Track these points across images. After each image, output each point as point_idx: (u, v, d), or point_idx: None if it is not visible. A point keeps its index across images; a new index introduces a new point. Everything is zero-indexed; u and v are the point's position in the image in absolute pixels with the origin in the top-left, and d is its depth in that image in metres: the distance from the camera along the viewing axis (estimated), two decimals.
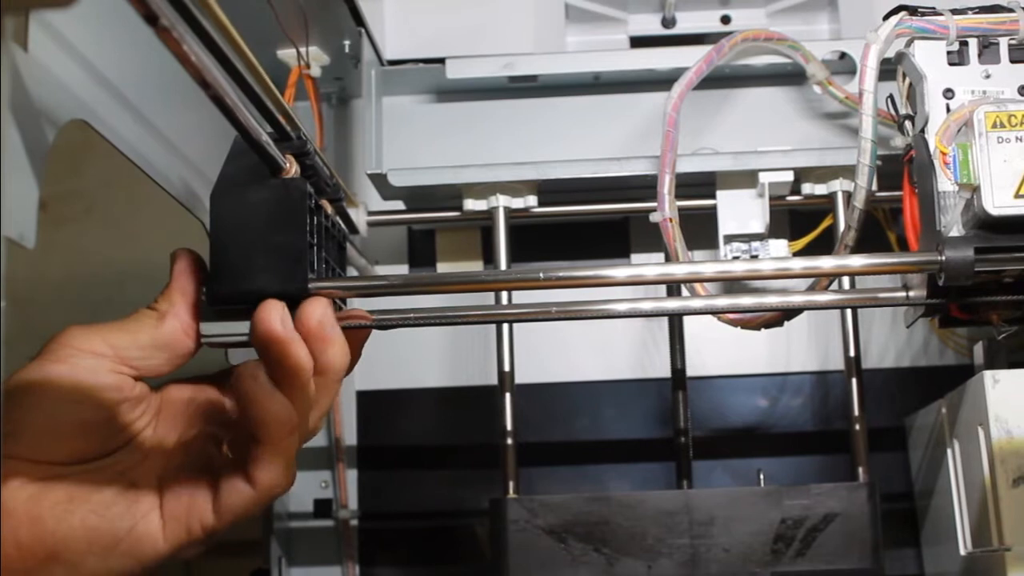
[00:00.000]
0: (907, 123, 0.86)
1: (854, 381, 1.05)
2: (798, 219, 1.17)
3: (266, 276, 0.71)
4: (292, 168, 0.72)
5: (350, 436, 1.23)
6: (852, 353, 1.06)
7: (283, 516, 1.21)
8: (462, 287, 0.80)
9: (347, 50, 1.11)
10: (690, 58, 1.03)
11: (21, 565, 0.62)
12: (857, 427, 1.05)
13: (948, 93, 0.83)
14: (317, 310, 0.70)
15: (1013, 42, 0.83)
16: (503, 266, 1.07)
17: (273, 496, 0.69)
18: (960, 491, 1.03)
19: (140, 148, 0.86)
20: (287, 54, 1.06)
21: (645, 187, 1.02)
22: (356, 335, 0.76)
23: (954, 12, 0.84)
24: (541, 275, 0.77)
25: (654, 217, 0.97)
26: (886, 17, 0.84)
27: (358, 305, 0.82)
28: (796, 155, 1.06)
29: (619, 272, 0.78)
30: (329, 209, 0.79)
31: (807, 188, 1.08)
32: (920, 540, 1.17)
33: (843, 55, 1.09)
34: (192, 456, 0.72)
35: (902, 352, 1.22)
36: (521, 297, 1.02)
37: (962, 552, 1.02)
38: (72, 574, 0.66)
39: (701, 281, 0.95)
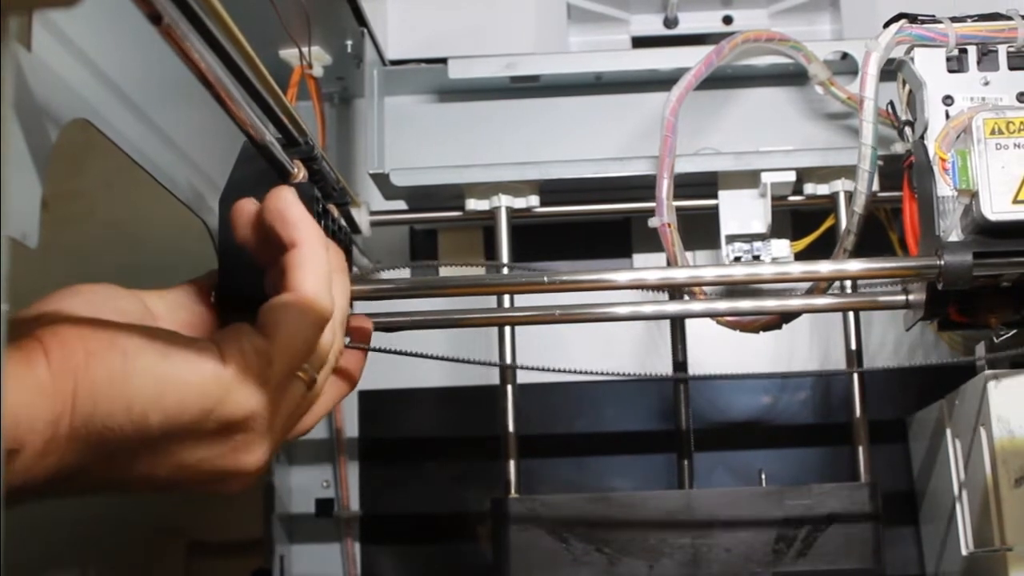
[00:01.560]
0: (907, 129, 0.87)
1: (855, 381, 1.05)
2: (800, 219, 1.17)
3: None
4: (300, 173, 0.73)
5: (352, 435, 1.23)
6: (854, 354, 1.06)
7: (285, 516, 1.21)
8: (467, 290, 0.81)
9: (349, 50, 1.11)
10: (692, 58, 1.03)
11: (63, 356, 0.60)
12: (858, 427, 1.05)
13: (947, 100, 0.83)
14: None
15: (1012, 49, 0.84)
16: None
17: (311, 307, 0.66)
18: (962, 491, 1.03)
19: (142, 147, 0.86)
20: (289, 54, 1.06)
21: (647, 187, 1.02)
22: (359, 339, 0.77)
23: (953, 20, 0.84)
24: (545, 279, 0.78)
25: (653, 222, 0.97)
26: (886, 25, 0.84)
27: (362, 307, 0.82)
28: (798, 155, 1.07)
29: (621, 276, 0.78)
30: (335, 213, 0.79)
31: (809, 188, 1.08)
32: (921, 540, 1.17)
33: (845, 55, 1.09)
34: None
35: (903, 351, 1.22)
36: (524, 299, 1.02)
37: (964, 552, 1.03)
38: (124, 353, 0.60)
39: (701, 285, 0.95)
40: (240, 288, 0.72)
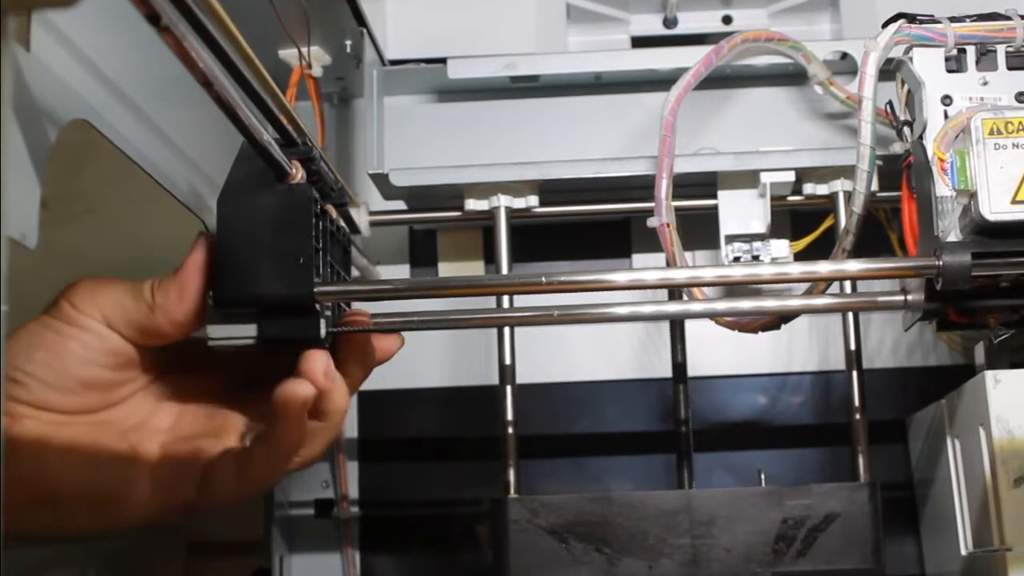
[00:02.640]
0: (905, 129, 0.87)
1: (855, 380, 1.05)
2: (799, 219, 1.17)
3: (272, 280, 0.72)
4: (298, 174, 0.73)
5: (351, 436, 1.23)
6: (853, 353, 1.06)
7: (284, 516, 1.21)
8: (465, 291, 0.81)
9: (349, 50, 1.11)
10: (691, 58, 1.02)
11: (21, 501, 0.66)
12: (858, 427, 1.05)
13: (946, 100, 0.83)
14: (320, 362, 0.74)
15: (1010, 49, 0.83)
16: (504, 266, 1.07)
17: (254, 494, 0.76)
18: (961, 491, 1.03)
19: (142, 148, 0.86)
20: (289, 54, 1.06)
21: (646, 187, 1.02)
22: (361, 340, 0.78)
23: (952, 20, 0.84)
24: (543, 279, 0.78)
25: (651, 222, 0.97)
26: (885, 24, 0.84)
27: (362, 307, 0.82)
28: (798, 155, 1.06)
29: (620, 276, 0.78)
30: (334, 213, 0.79)
31: (808, 188, 1.08)
32: (921, 540, 1.17)
33: (844, 55, 1.09)
34: (193, 431, 0.77)
35: (903, 351, 1.22)
36: (523, 300, 1.02)
37: (963, 552, 1.03)
38: (60, 520, 0.71)
39: (700, 286, 0.95)
40: (238, 288, 0.72)
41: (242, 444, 0.77)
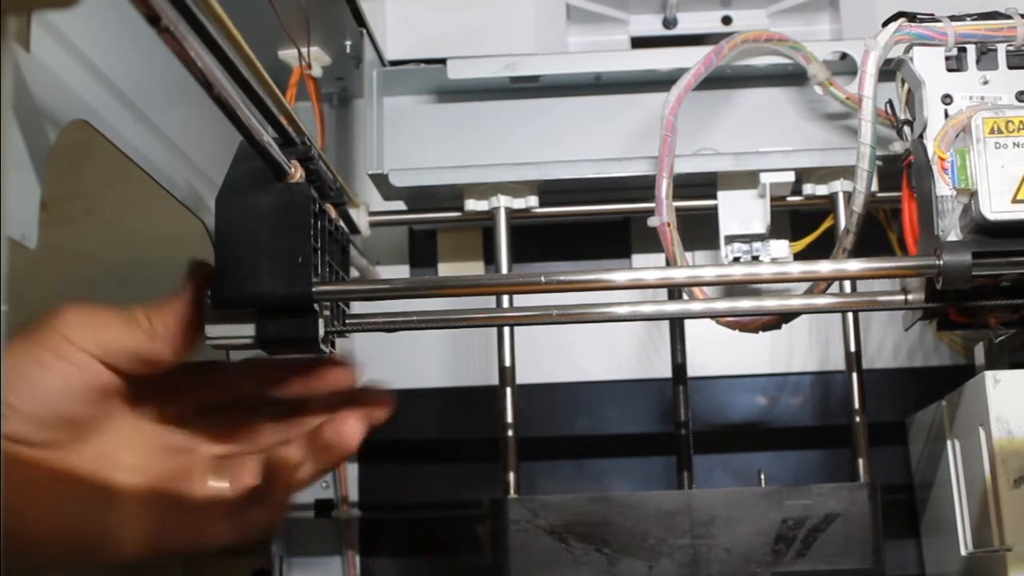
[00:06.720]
0: (906, 128, 0.87)
1: (855, 381, 1.05)
2: (799, 219, 1.17)
3: (271, 280, 0.72)
4: (297, 173, 0.73)
5: None
6: (853, 353, 1.06)
7: (284, 518, 1.21)
8: (464, 291, 0.81)
9: (348, 50, 1.11)
10: (691, 59, 1.02)
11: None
12: (858, 427, 1.05)
13: (946, 99, 0.83)
14: None
15: (1011, 48, 0.83)
16: (504, 266, 1.07)
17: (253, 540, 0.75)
18: (961, 491, 1.03)
19: (142, 148, 0.86)
20: (288, 54, 1.06)
21: (646, 187, 1.02)
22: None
23: (952, 19, 0.84)
24: (542, 279, 0.78)
25: (652, 222, 0.97)
26: (885, 23, 0.84)
27: (361, 307, 0.82)
28: (797, 156, 1.06)
29: (619, 276, 0.78)
30: (332, 213, 0.79)
31: (808, 188, 1.08)
32: (921, 540, 1.17)
33: (844, 55, 1.09)
34: (162, 469, 0.75)
35: (903, 352, 1.22)
36: (522, 300, 1.02)
37: (963, 552, 1.03)
38: (42, 560, 0.69)
39: (701, 285, 0.95)
40: (237, 288, 0.72)
41: (208, 486, 0.76)
